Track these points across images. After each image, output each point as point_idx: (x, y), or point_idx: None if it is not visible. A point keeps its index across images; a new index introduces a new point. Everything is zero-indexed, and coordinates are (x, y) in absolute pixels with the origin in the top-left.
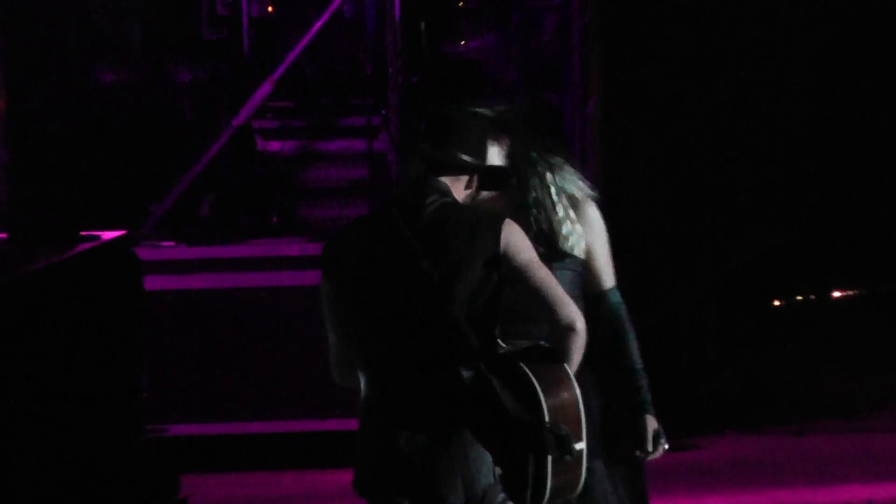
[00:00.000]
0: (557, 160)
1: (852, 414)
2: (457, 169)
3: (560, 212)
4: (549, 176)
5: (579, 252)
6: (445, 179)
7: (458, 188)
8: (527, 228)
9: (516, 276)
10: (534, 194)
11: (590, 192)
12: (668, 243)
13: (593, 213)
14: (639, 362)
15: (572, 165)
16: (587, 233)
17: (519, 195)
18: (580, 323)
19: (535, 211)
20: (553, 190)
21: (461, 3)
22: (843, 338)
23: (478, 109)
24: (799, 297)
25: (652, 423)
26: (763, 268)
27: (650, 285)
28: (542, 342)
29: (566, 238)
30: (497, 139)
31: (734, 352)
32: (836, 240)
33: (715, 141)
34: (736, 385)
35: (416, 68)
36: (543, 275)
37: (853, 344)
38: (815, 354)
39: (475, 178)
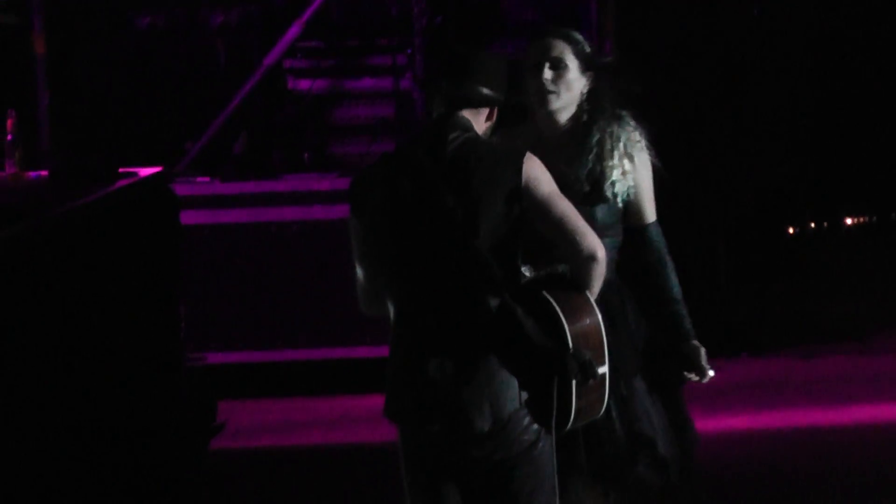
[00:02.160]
0: (624, 113)
1: (862, 337)
2: (476, 102)
3: (614, 159)
4: (614, 125)
5: (621, 199)
6: (467, 114)
7: (479, 122)
8: (580, 167)
9: (538, 208)
10: (597, 136)
11: (645, 146)
12: (680, 175)
13: (644, 158)
14: (680, 292)
15: (636, 123)
16: (636, 172)
17: (583, 135)
18: (601, 252)
19: (593, 152)
20: (613, 138)
21: None
22: (854, 264)
23: (579, 38)
24: (812, 225)
25: (701, 348)
26: (776, 197)
27: (662, 215)
28: (563, 271)
29: (612, 184)
30: (586, 74)
31: (747, 279)
32: (849, 168)
33: (725, 75)
34: (749, 311)
35: (440, 9)
36: (565, 206)
37: (863, 269)
38: (826, 280)
39: (495, 112)
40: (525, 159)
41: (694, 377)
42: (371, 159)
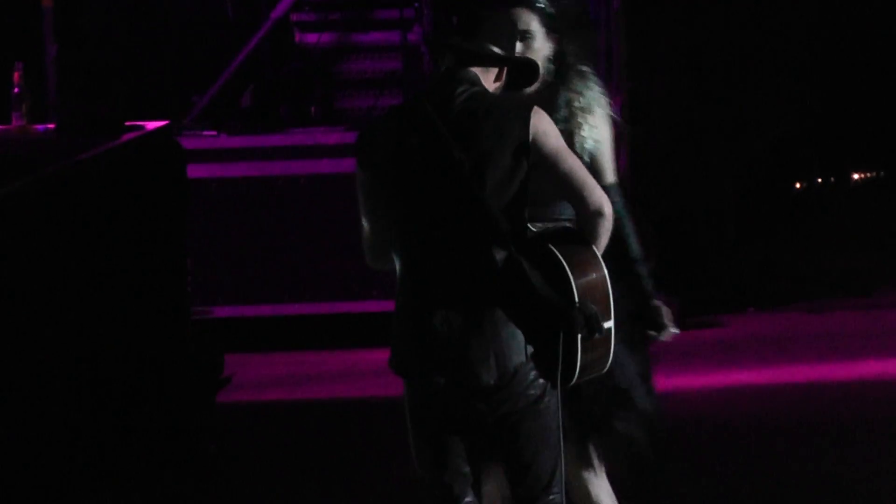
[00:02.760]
0: (587, 70)
1: (868, 292)
2: (486, 60)
3: (584, 115)
4: (577, 82)
5: (587, 156)
6: (476, 71)
7: (488, 80)
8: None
9: (545, 162)
10: (564, 95)
11: (606, 100)
12: (688, 130)
13: (603, 115)
14: (640, 252)
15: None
16: (599, 129)
17: (551, 96)
18: (608, 207)
19: (562, 112)
20: (579, 94)
21: None
22: (862, 219)
23: (541, 3)
24: (819, 180)
25: (662, 307)
26: (784, 153)
27: (672, 169)
28: (569, 224)
29: (583, 139)
30: (550, 37)
31: (754, 233)
32: (856, 124)
33: (733, 31)
34: (757, 265)
35: None
36: (572, 161)
37: (871, 224)
38: (833, 235)
39: (504, 71)
40: (532, 112)
41: (656, 335)
42: (378, 113)
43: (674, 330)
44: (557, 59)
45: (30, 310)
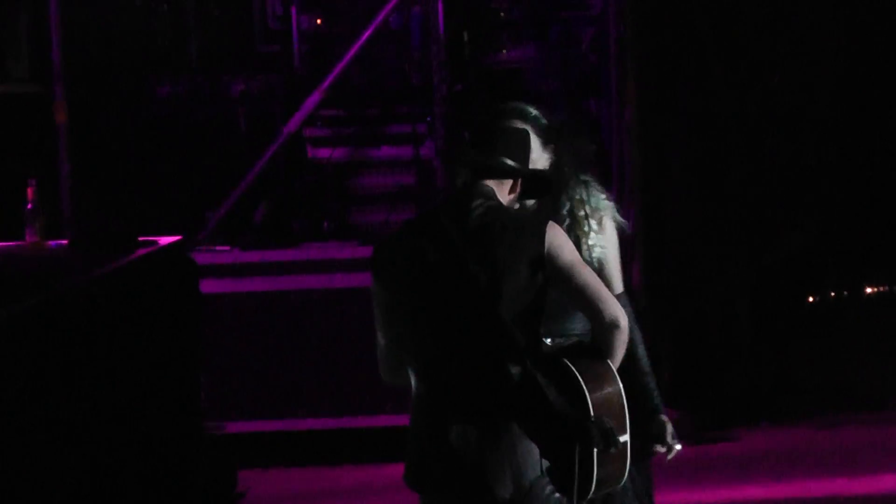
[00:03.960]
0: (588, 177)
1: (884, 406)
2: (501, 173)
3: (588, 224)
4: (581, 191)
5: (596, 263)
6: (490, 184)
7: (503, 192)
8: None
9: (560, 276)
10: (567, 205)
11: (612, 208)
12: (702, 241)
13: (611, 225)
14: (648, 364)
15: (602, 186)
16: (606, 237)
17: (555, 205)
18: (623, 320)
19: (566, 222)
20: (584, 204)
21: (502, 15)
22: (875, 332)
23: (533, 114)
24: (833, 294)
25: (668, 423)
26: (797, 264)
27: (685, 281)
28: (582, 339)
29: (591, 248)
30: (546, 148)
31: (768, 345)
32: (869, 237)
33: (746, 141)
34: (770, 378)
35: (460, 78)
36: (587, 274)
37: (884, 338)
38: (846, 348)
39: (518, 183)
40: (547, 227)
41: (661, 450)
42: (391, 227)
43: (678, 447)
44: (556, 168)
45: (43, 426)
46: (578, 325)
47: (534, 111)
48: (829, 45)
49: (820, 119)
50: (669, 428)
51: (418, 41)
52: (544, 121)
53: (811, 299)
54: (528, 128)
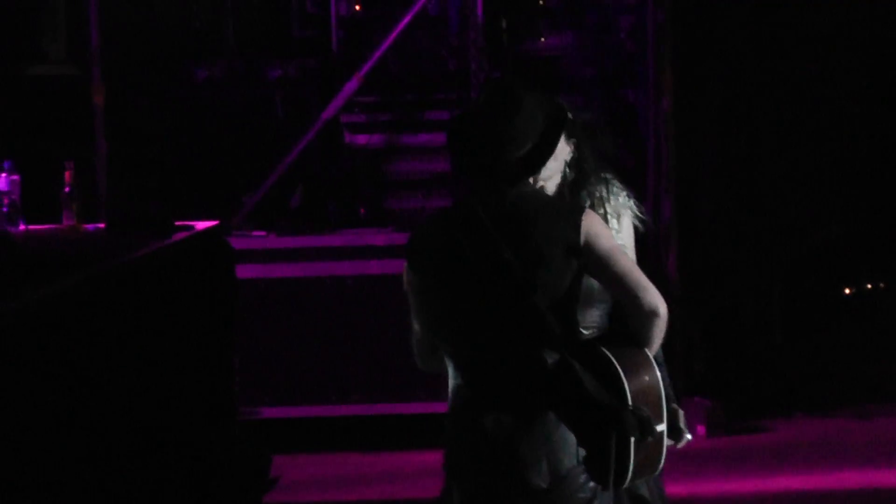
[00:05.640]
0: (609, 176)
1: None
2: (532, 168)
3: (608, 222)
4: (602, 188)
5: None
6: None
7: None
8: None
9: (598, 264)
10: (588, 202)
11: (633, 206)
12: (736, 231)
13: (628, 223)
14: (661, 355)
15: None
16: (624, 235)
17: (575, 200)
18: (663, 308)
19: None
20: (604, 201)
21: (541, 2)
22: None
23: (559, 103)
24: (868, 285)
25: (680, 411)
26: (832, 254)
27: (720, 270)
28: (617, 328)
29: None
30: (568, 141)
31: (802, 336)
32: None
33: (782, 133)
34: (804, 368)
35: (497, 64)
36: (625, 262)
37: None
38: (882, 339)
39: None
40: (583, 215)
41: (672, 441)
42: (427, 214)
43: (688, 436)
44: (577, 165)
45: (79, 405)
46: (592, 319)
47: (562, 103)
48: (863, 38)
49: (854, 111)
50: (682, 416)
51: (456, 27)
52: (569, 114)
53: (847, 291)
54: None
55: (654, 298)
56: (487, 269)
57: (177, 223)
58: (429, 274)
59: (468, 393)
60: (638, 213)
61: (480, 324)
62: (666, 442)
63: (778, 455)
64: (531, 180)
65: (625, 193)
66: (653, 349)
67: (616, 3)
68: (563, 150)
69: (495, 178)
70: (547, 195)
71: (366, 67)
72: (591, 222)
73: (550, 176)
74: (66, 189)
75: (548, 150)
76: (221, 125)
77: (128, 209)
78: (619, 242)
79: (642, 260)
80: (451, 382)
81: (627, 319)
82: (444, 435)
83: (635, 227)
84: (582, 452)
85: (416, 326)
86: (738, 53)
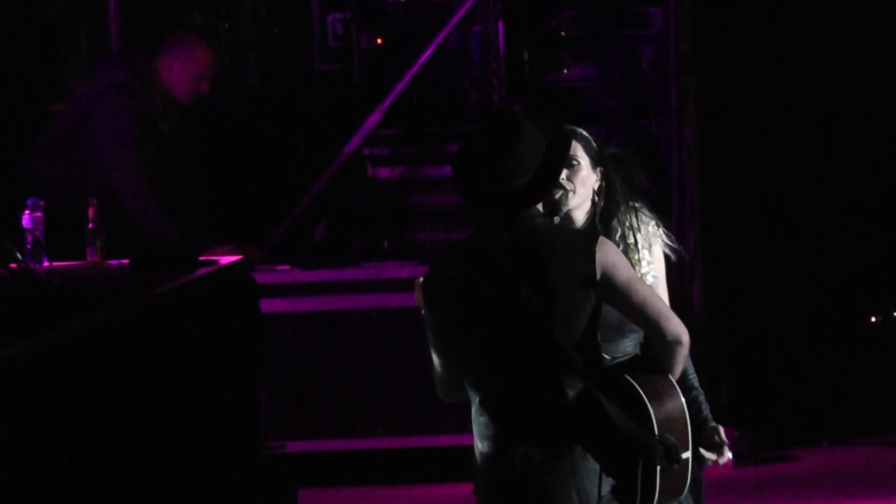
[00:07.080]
0: (639, 205)
1: None
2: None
3: (640, 251)
4: (632, 217)
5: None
6: None
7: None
8: None
9: (618, 295)
10: (619, 231)
11: (663, 235)
12: (761, 260)
13: (660, 252)
14: (696, 379)
15: (651, 213)
16: (654, 268)
17: (604, 232)
18: (685, 336)
19: (620, 247)
20: (635, 230)
21: (563, 33)
22: None
23: (585, 136)
24: (895, 314)
25: (719, 427)
26: (858, 283)
27: (745, 299)
28: (638, 354)
29: (644, 276)
30: (596, 170)
31: (829, 365)
32: None
33: (807, 161)
34: (831, 397)
35: (520, 96)
36: (645, 291)
37: None
38: None
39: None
40: (598, 245)
41: (712, 457)
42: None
43: (729, 455)
44: (604, 192)
45: (104, 442)
46: (628, 347)
47: (586, 133)
48: (890, 64)
49: (881, 137)
50: (721, 432)
51: (478, 59)
52: (594, 144)
53: (873, 319)
54: (580, 144)
55: (677, 327)
56: (505, 306)
57: (201, 258)
58: (447, 313)
59: (494, 428)
60: (668, 242)
61: (501, 360)
62: (691, 467)
63: (806, 484)
64: (563, 209)
65: (654, 222)
66: (675, 375)
67: (638, 33)
68: (591, 178)
69: (502, 209)
70: (558, 227)
71: (388, 100)
72: (605, 252)
73: (579, 204)
74: (90, 225)
75: (551, 177)
76: (244, 160)
77: (152, 245)
78: (652, 273)
79: (671, 289)
80: (474, 416)
81: (650, 348)
82: (471, 469)
83: (666, 256)
84: (610, 482)
85: (436, 360)
86: (762, 82)
